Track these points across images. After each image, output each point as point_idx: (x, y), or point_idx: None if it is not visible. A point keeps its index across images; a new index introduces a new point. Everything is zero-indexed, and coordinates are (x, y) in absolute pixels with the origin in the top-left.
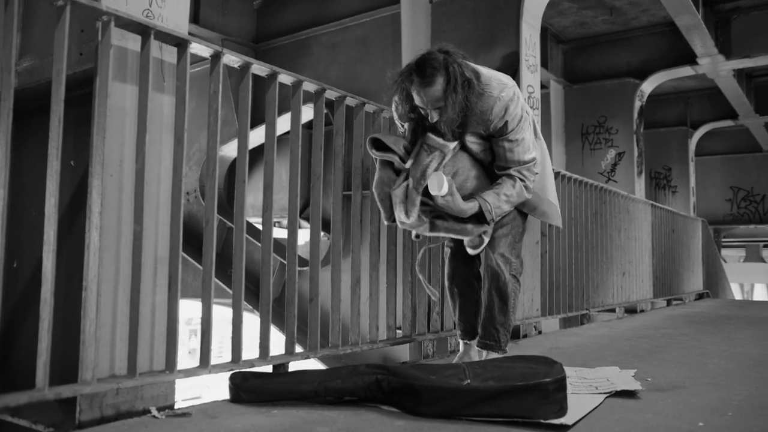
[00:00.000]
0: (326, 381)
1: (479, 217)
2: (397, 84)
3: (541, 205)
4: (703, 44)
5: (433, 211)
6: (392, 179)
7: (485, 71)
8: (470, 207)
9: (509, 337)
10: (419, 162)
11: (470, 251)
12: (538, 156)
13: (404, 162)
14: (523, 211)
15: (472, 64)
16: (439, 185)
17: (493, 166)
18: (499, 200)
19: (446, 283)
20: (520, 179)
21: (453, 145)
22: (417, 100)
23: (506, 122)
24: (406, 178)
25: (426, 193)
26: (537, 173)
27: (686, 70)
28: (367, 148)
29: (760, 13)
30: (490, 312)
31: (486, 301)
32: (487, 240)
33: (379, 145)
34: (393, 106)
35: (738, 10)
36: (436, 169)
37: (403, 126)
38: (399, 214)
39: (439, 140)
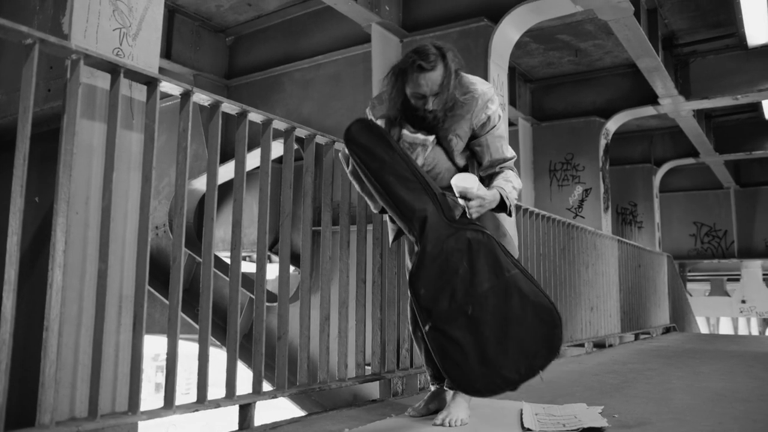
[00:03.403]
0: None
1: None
2: (393, 76)
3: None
4: (664, 86)
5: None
6: None
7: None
8: (493, 194)
9: None
10: None
11: None
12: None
13: None
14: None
15: None
16: (466, 181)
17: (462, 167)
18: (508, 188)
19: (410, 328)
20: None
21: (432, 137)
22: (413, 90)
23: (489, 117)
24: None
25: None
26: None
27: (649, 110)
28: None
29: (716, 57)
30: None
31: None
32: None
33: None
34: (370, 105)
35: (695, 54)
36: (422, 164)
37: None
38: None
39: (419, 136)
